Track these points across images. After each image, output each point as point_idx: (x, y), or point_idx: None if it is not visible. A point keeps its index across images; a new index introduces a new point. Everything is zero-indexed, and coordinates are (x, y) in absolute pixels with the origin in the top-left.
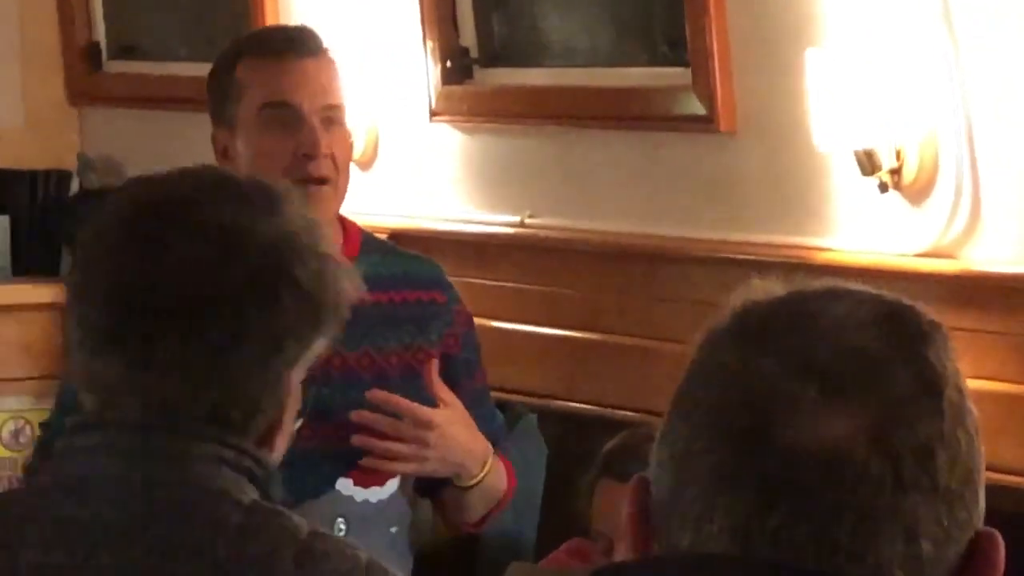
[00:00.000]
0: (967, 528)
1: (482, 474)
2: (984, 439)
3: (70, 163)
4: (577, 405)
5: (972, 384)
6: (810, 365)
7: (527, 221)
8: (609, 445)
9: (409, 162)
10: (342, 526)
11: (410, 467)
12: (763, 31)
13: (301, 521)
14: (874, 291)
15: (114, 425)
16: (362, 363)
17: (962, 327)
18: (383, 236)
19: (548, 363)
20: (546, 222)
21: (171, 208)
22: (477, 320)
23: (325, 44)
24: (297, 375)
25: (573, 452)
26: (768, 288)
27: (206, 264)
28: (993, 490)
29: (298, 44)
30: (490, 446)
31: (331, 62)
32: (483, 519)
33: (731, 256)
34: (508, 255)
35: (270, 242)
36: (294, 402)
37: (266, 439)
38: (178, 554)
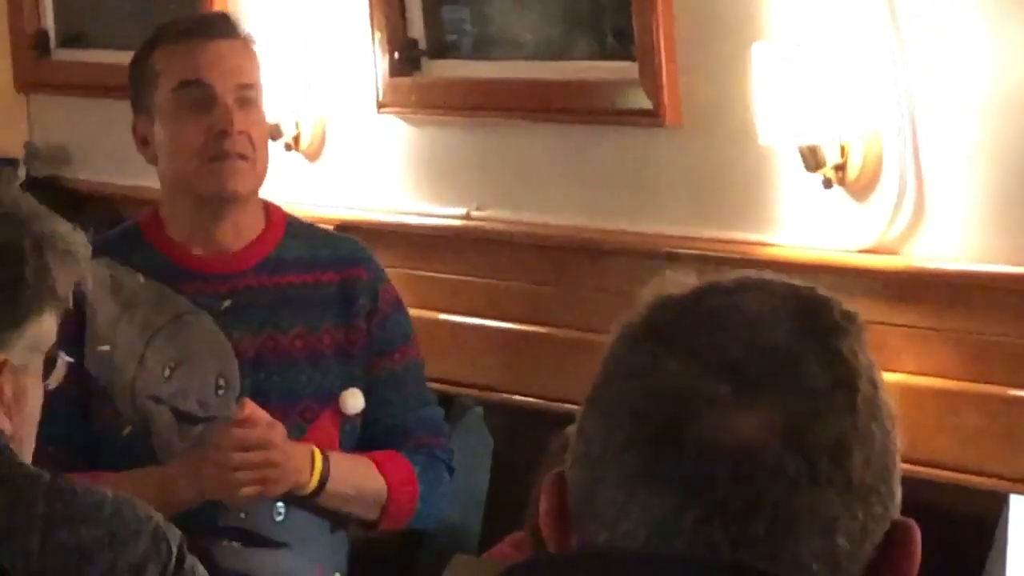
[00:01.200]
0: (883, 521)
1: (314, 482)
2: (924, 435)
3: (17, 151)
4: (521, 398)
5: (913, 380)
6: (722, 363)
7: (474, 213)
8: (561, 439)
9: (356, 153)
10: (281, 510)
11: (253, 491)
12: (709, 25)
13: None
14: (788, 282)
15: None
16: (296, 344)
17: (904, 323)
18: (329, 227)
19: (493, 355)
20: (492, 214)
21: None
22: (423, 312)
23: (242, 29)
24: (13, 358)
25: (518, 445)
26: (681, 281)
27: None
28: (932, 486)
29: (211, 27)
30: (313, 452)
31: (246, 44)
32: (378, 522)
33: (676, 251)
34: (454, 247)
35: None
36: (15, 387)
37: None
38: None
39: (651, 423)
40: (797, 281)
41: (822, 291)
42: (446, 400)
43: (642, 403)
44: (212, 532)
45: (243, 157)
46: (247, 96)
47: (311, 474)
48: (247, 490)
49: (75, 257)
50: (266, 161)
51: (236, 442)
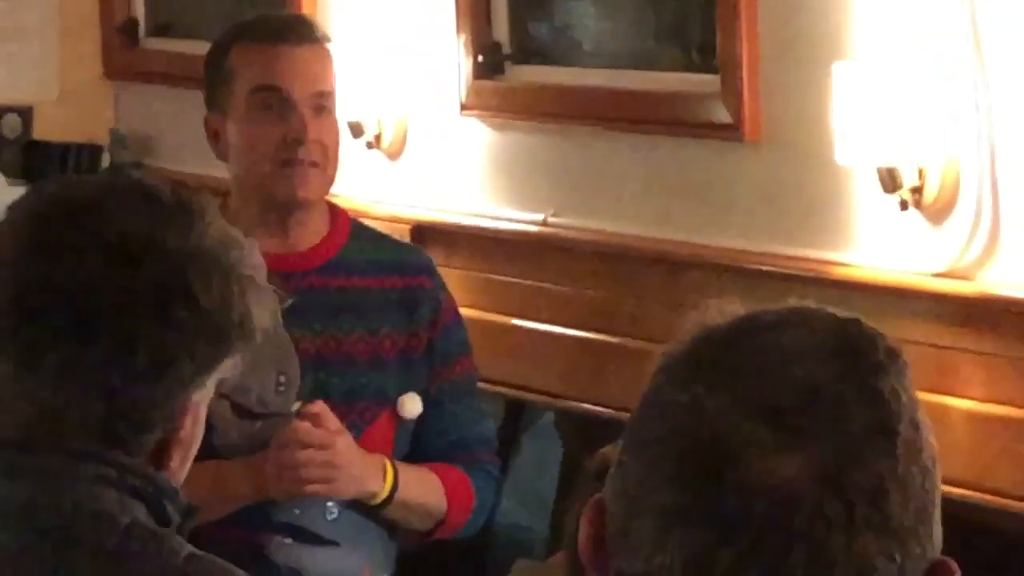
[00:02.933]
0: (921, 561)
1: (385, 492)
2: (990, 463)
3: (103, 138)
4: (590, 406)
5: (981, 407)
6: (763, 403)
7: (550, 220)
8: (596, 460)
9: (437, 154)
10: (334, 510)
11: (321, 488)
12: (793, 42)
13: (181, 544)
14: (832, 316)
15: None
16: (357, 347)
17: (975, 349)
18: (406, 227)
19: (563, 363)
20: (569, 222)
21: (75, 212)
22: (496, 316)
23: (319, 33)
24: (200, 396)
25: (587, 452)
26: (724, 311)
27: (102, 272)
28: (996, 514)
29: (290, 31)
30: (386, 463)
31: (324, 50)
32: (430, 533)
33: (750, 266)
34: (529, 253)
35: (173, 256)
36: (194, 424)
37: (158, 458)
38: None
39: (691, 463)
40: (842, 313)
41: (867, 326)
42: (518, 404)
43: (682, 442)
44: (265, 527)
45: (315, 165)
46: (323, 103)
47: (383, 483)
48: (309, 487)
49: (265, 289)
50: (336, 167)
51: (299, 439)
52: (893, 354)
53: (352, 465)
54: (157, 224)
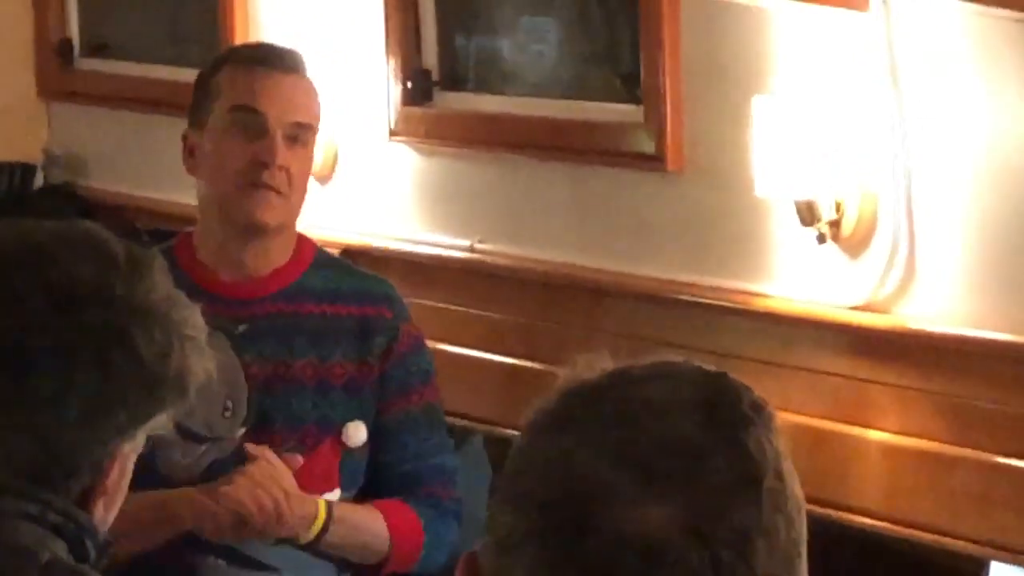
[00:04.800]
0: None
1: (312, 535)
2: (906, 497)
3: (36, 157)
4: (515, 432)
5: (896, 440)
6: (629, 455)
7: (477, 246)
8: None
9: (366, 180)
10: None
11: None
12: (715, 74)
13: None
14: (699, 370)
15: None
16: (306, 373)
17: (891, 382)
18: (335, 251)
19: (489, 388)
20: (495, 248)
21: (26, 254)
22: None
23: (306, 68)
24: (130, 447)
25: None
26: (593, 364)
27: (44, 314)
28: (911, 547)
29: (278, 59)
30: (318, 506)
31: (309, 84)
32: (379, 568)
33: (671, 295)
34: (457, 278)
35: (118, 305)
36: (121, 475)
37: (83, 505)
38: None
39: (558, 514)
40: (709, 368)
41: (733, 380)
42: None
43: (550, 494)
44: (199, 548)
45: (278, 192)
46: (298, 135)
47: (310, 525)
48: (248, 530)
49: (203, 346)
50: (301, 199)
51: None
52: (758, 407)
53: (292, 514)
54: (105, 273)
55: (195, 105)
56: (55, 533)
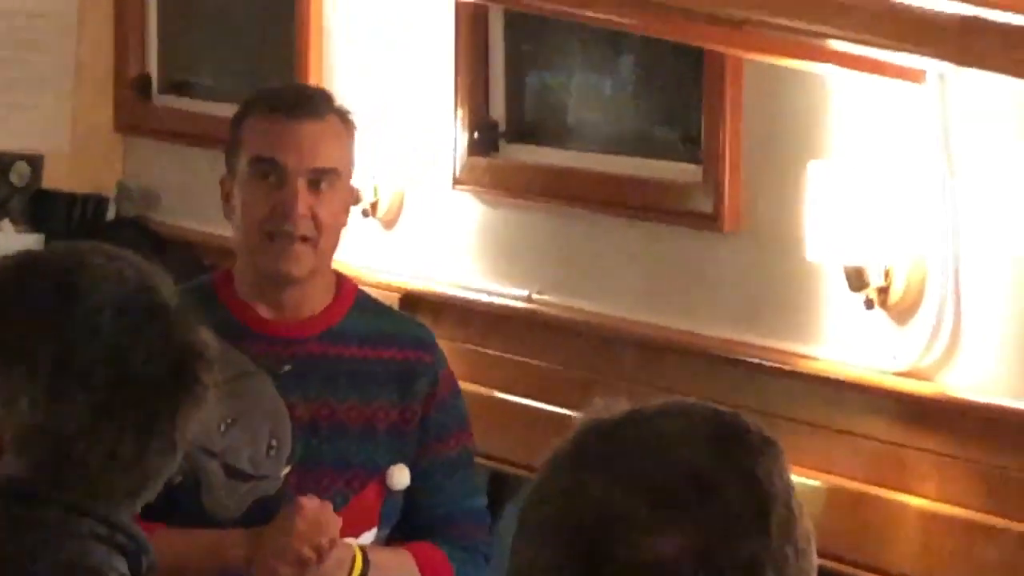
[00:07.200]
0: None
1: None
2: (942, 563)
3: (110, 190)
4: None
5: (933, 506)
6: (642, 485)
7: (535, 296)
8: None
9: (430, 226)
10: None
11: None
12: (774, 138)
13: None
14: (710, 407)
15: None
16: (350, 415)
17: (931, 449)
18: (396, 295)
19: (543, 438)
20: (553, 299)
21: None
22: (479, 388)
23: (330, 108)
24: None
25: None
26: (611, 406)
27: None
28: None
29: (296, 106)
30: (355, 551)
31: (333, 126)
32: None
33: (721, 353)
34: (514, 328)
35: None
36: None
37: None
38: None
39: (575, 543)
40: (722, 407)
41: (744, 417)
42: (499, 476)
43: (567, 524)
44: None
45: (304, 240)
46: (322, 179)
47: (349, 572)
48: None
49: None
50: (333, 244)
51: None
52: (768, 441)
53: (333, 565)
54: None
55: (228, 152)
56: (119, 552)
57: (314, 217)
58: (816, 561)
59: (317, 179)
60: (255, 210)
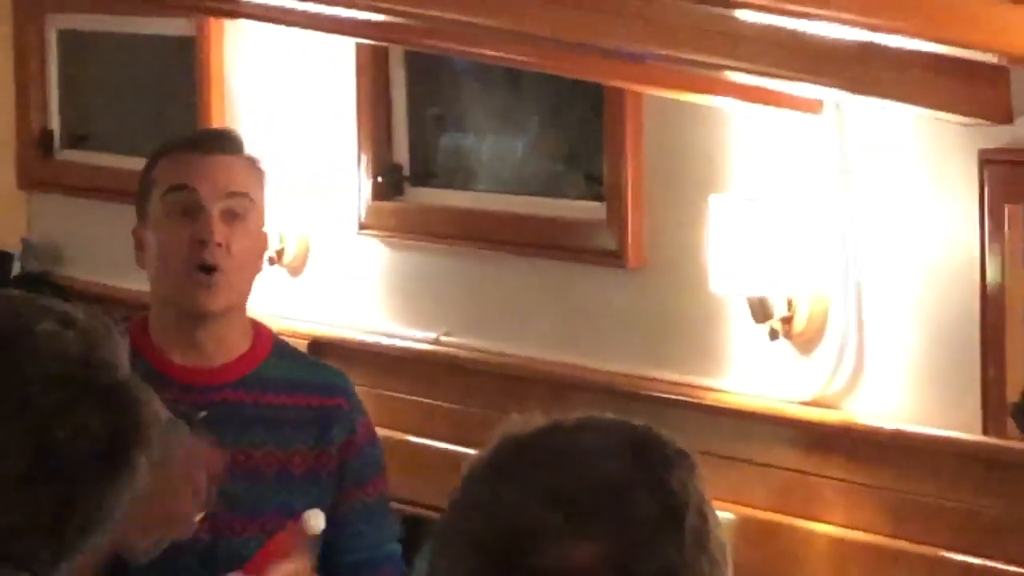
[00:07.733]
0: None
1: None
2: None
3: (14, 246)
4: None
5: (841, 533)
6: (556, 494)
7: (443, 338)
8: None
9: (336, 272)
10: None
11: None
12: (675, 174)
13: None
14: (625, 422)
15: None
16: (267, 461)
17: (838, 477)
18: (304, 342)
19: (454, 480)
20: (461, 341)
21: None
22: (390, 432)
23: (244, 149)
24: None
25: None
26: (527, 421)
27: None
28: None
29: (208, 143)
30: None
31: (243, 162)
32: None
33: (628, 389)
34: (423, 371)
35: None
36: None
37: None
38: None
39: (491, 554)
40: (636, 421)
41: (657, 430)
42: (413, 520)
43: (483, 535)
44: None
45: (219, 269)
46: (235, 207)
47: None
48: None
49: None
50: (247, 279)
51: None
52: (682, 453)
53: None
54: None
55: (138, 200)
56: None
57: (228, 248)
58: (731, 574)
59: (231, 208)
60: (171, 245)
